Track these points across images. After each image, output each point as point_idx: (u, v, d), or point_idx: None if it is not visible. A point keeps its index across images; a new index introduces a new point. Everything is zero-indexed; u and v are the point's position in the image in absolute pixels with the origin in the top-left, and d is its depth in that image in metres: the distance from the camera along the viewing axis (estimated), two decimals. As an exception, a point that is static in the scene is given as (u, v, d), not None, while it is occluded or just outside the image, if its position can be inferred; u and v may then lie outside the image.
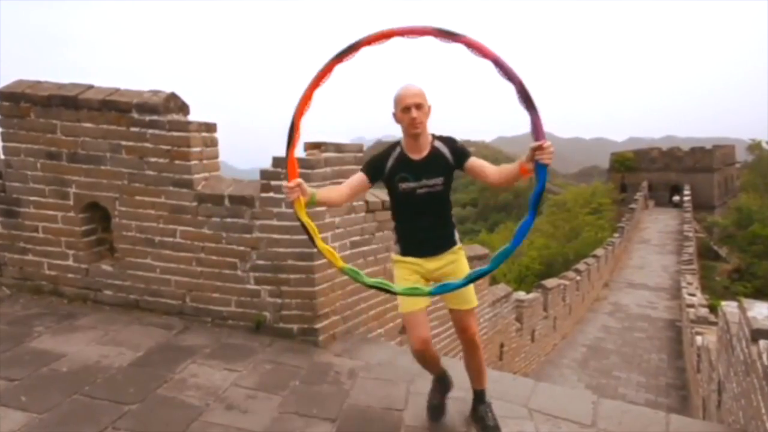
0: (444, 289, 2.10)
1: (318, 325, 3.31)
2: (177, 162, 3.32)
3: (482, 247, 6.28)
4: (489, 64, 1.83)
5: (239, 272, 3.35)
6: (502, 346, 7.17)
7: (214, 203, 3.31)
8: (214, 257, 3.37)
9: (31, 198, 3.63)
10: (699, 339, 7.15)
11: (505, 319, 7.25)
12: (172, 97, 3.36)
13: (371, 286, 2.04)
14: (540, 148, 1.82)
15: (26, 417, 2.28)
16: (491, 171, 2.17)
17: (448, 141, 2.28)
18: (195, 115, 3.44)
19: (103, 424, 2.29)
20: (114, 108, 3.37)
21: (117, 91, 3.45)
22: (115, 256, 3.63)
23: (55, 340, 3.02)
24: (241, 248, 3.31)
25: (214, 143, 3.51)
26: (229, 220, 3.31)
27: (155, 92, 3.39)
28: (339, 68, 1.92)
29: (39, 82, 3.62)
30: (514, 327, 8.02)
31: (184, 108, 3.41)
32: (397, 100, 2.18)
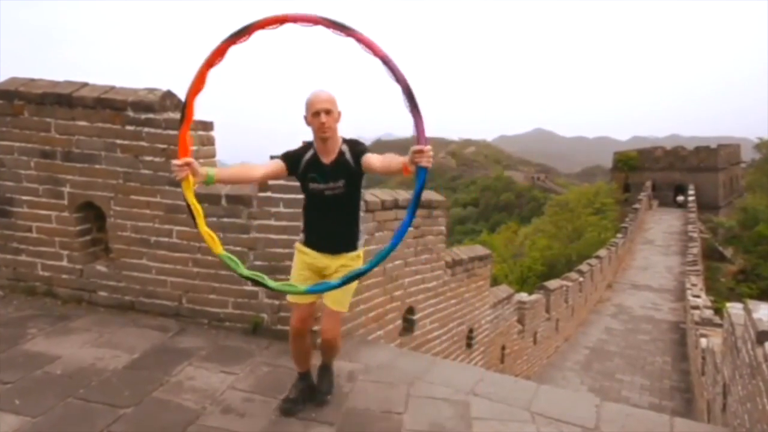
0: (320, 289, 2.17)
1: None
2: (173, 161, 3.31)
3: (483, 247, 6.27)
4: (378, 62, 1.83)
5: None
6: (503, 348, 7.17)
7: (210, 203, 3.31)
8: (210, 258, 3.37)
9: (25, 197, 3.62)
10: (704, 341, 7.15)
11: (507, 321, 7.24)
12: (168, 95, 3.36)
13: (248, 278, 2.07)
14: (420, 151, 1.86)
15: (20, 420, 2.28)
16: (375, 160, 2.24)
17: (352, 144, 2.38)
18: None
19: (97, 427, 2.29)
20: (109, 106, 3.37)
21: (112, 89, 3.45)
22: (110, 257, 3.63)
23: (49, 342, 3.02)
24: (238, 248, 3.31)
25: (210, 142, 3.51)
26: (226, 219, 3.31)
27: (151, 90, 3.39)
28: (234, 49, 1.94)
29: (33, 80, 3.62)
30: (516, 329, 8.01)
31: (180, 106, 3.41)
32: (308, 105, 2.27)
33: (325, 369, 2.77)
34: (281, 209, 3.24)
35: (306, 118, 2.30)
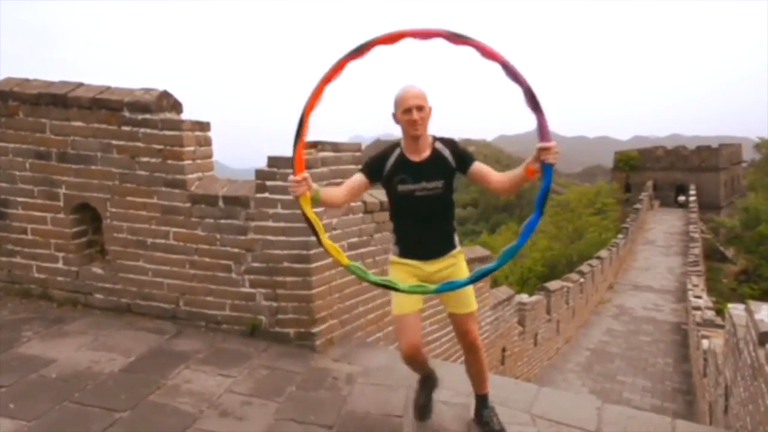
0: (449, 287, 2.13)
1: (315, 330, 3.31)
2: (170, 162, 3.32)
3: (483, 248, 6.28)
4: (497, 67, 1.92)
5: (234, 275, 3.34)
6: (504, 350, 7.17)
7: (207, 204, 3.31)
8: (207, 259, 3.37)
9: (20, 199, 3.62)
10: (705, 342, 7.16)
11: (507, 323, 7.25)
12: (165, 95, 3.36)
13: (377, 284, 2.07)
14: (545, 148, 1.90)
15: (15, 425, 2.28)
16: (495, 177, 2.19)
17: (449, 143, 2.30)
18: (188, 114, 3.44)
19: (93, 431, 2.28)
20: (105, 106, 3.37)
21: (108, 89, 3.45)
22: (106, 259, 3.62)
23: (44, 346, 3.01)
24: (236, 250, 3.31)
25: (207, 142, 3.50)
26: (223, 221, 3.30)
27: (147, 90, 3.38)
28: (350, 66, 1.98)
29: (27, 80, 3.61)
30: (517, 330, 8.02)
31: (176, 106, 3.41)
32: (398, 101, 2.19)
33: (484, 402, 2.51)
34: (279, 210, 3.23)
35: (395, 115, 2.21)
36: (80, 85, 3.52)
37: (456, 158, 2.25)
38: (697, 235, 22.83)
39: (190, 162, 3.34)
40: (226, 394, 2.71)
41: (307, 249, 3.21)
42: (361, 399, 2.79)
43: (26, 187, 3.59)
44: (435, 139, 2.29)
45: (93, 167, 3.45)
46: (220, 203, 3.29)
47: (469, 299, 2.36)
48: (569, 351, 11.65)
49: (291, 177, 2.04)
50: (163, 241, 3.42)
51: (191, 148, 3.36)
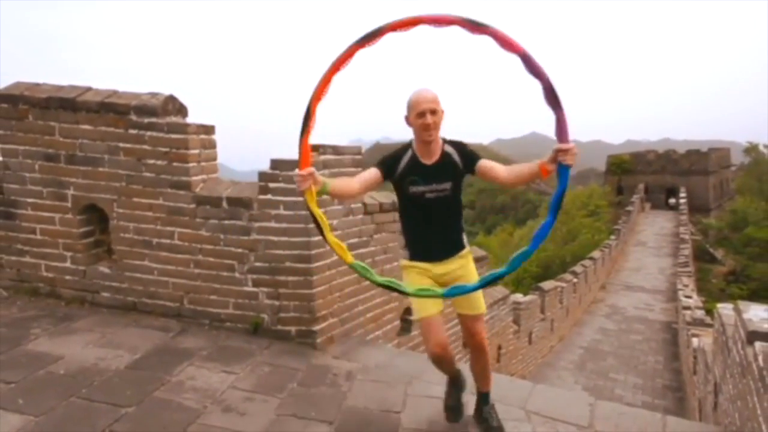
0: (457, 291, 2.06)
1: (316, 328, 3.31)
2: (175, 164, 3.32)
3: (480, 249, 6.28)
4: (515, 59, 1.77)
5: (237, 274, 3.34)
6: (499, 348, 7.17)
7: (212, 205, 3.31)
8: (211, 259, 3.36)
9: (29, 200, 3.61)
10: (695, 341, 7.16)
11: (503, 322, 7.25)
12: (171, 99, 3.36)
13: (381, 285, 1.99)
14: (564, 150, 1.79)
15: (23, 420, 2.27)
16: (502, 170, 2.16)
17: (458, 145, 2.28)
18: (193, 118, 3.44)
19: (100, 426, 2.28)
20: (112, 110, 3.37)
21: (115, 93, 3.45)
22: (112, 258, 3.62)
23: (52, 343, 3.01)
24: (239, 250, 3.30)
25: (212, 145, 3.50)
26: (227, 222, 3.30)
27: (154, 94, 3.38)
28: (359, 54, 1.83)
29: (37, 84, 3.61)
30: (512, 329, 8.02)
31: (182, 110, 3.41)
32: (412, 105, 2.15)
33: (485, 400, 2.51)
34: (281, 211, 3.23)
35: (408, 118, 2.18)
36: (89, 89, 3.52)
37: (463, 159, 2.23)
38: (687, 237, 22.86)
39: (195, 164, 3.34)
40: (229, 390, 2.71)
41: (308, 249, 3.21)
42: (361, 395, 2.78)
43: (35, 189, 3.59)
44: (445, 141, 2.27)
45: (100, 169, 3.45)
46: (224, 204, 3.29)
47: (478, 302, 2.35)
48: (563, 349, 11.64)
49: (297, 171, 1.95)
50: (168, 241, 3.41)
51: (196, 151, 3.35)
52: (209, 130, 3.48)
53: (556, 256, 24.71)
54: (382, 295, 3.93)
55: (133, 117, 3.33)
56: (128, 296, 3.55)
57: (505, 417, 2.65)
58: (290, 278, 3.26)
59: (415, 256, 2.34)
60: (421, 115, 2.12)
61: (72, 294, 3.64)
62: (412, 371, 3.13)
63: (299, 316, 3.31)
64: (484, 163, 2.20)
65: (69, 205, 3.54)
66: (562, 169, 1.81)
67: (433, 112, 2.13)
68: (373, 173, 2.24)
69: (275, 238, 3.26)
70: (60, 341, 3.03)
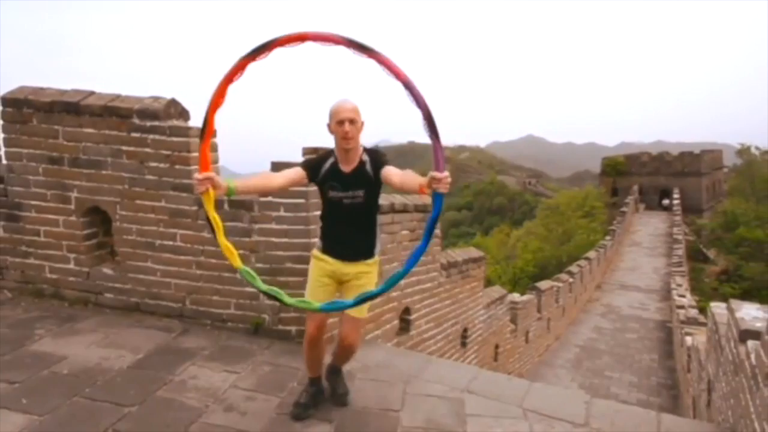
0: (334, 307, 2.15)
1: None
2: (177, 166, 3.31)
3: (477, 249, 6.28)
4: (400, 86, 1.78)
5: (238, 275, 3.33)
6: (497, 347, 7.17)
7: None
8: (213, 260, 3.36)
9: (33, 202, 3.61)
10: (689, 339, 7.17)
11: (500, 321, 7.24)
12: (173, 103, 3.36)
13: (265, 293, 2.03)
14: (437, 179, 1.81)
15: (27, 419, 2.26)
16: (394, 174, 2.20)
17: (373, 154, 2.34)
18: (195, 121, 3.44)
19: (103, 425, 2.27)
20: (115, 114, 3.37)
21: (118, 97, 3.45)
22: (115, 260, 3.62)
23: (56, 343, 3.00)
24: (240, 251, 3.27)
25: (213, 148, 3.49)
26: (228, 223, 3.29)
27: (156, 98, 3.38)
28: (252, 66, 1.88)
29: (41, 89, 3.61)
30: (509, 328, 8.01)
31: (184, 114, 3.41)
32: (333, 114, 2.24)
33: (337, 371, 2.69)
34: (282, 213, 3.23)
35: (329, 126, 2.26)
36: (92, 93, 3.52)
37: (374, 168, 2.29)
38: (680, 237, 22.88)
39: (196, 167, 3.33)
40: (230, 389, 2.70)
41: (308, 250, 3.20)
42: (360, 394, 2.78)
43: (39, 191, 3.58)
44: (364, 150, 2.34)
45: (104, 172, 3.44)
46: (226, 207, 3.29)
47: (363, 309, 2.41)
48: (559, 348, 11.64)
49: (195, 175, 2.01)
50: (170, 242, 3.41)
51: (198, 154, 3.35)
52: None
53: (553, 257, 24.71)
54: (381, 296, 3.93)
55: (136, 120, 3.33)
56: (131, 297, 3.54)
57: (501, 415, 2.65)
58: (291, 279, 3.26)
59: (325, 249, 2.43)
60: (341, 123, 2.21)
61: (76, 295, 3.63)
62: (411, 370, 3.13)
63: (299, 317, 3.30)
64: (384, 170, 2.25)
65: (73, 207, 3.54)
66: (437, 196, 1.85)
67: (352, 121, 2.21)
68: (298, 172, 2.31)
69: (276, 240, 3.25)
70: (64, 342, 3.03)
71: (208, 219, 2.02)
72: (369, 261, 2.44)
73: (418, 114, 1.78)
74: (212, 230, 2.02)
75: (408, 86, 1.77)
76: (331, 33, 1.82)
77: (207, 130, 1.96)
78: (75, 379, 2.63)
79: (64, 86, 3.62)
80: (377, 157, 2.32)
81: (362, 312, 2.43)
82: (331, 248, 2.41)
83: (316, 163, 2.34)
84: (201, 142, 1.98)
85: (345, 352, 2.55)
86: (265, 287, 2.02)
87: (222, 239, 2.01)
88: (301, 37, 1.80)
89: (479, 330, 6.15)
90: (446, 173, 1.82)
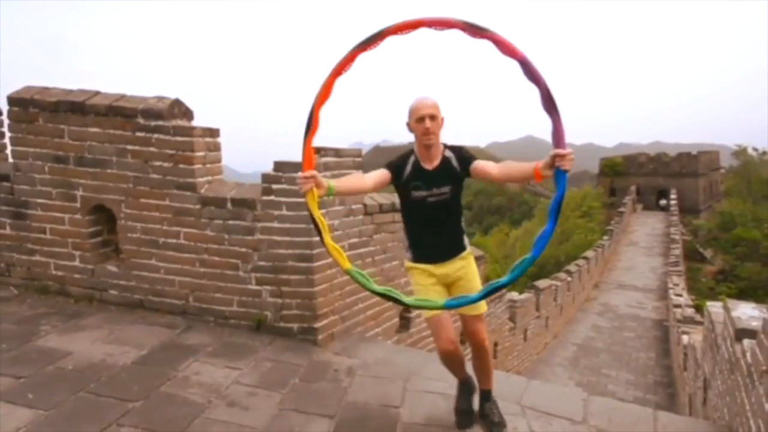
0: (459, 303, 2.01)
1: (317, 325, 3.30)
2: (181, 166, 3.32)
3: (477, 248, 6.27)
4: (514, 64, 1.73)
5: (241, 273, 3.34)
6: (495, 344, 7.17)
7: (216, 206, 3.31)
8: (216, 258, 3.36)
9: (39, 200, 3.61)
10: (685, 338, 7.17)
11: (499, 319, 7.24)
12: (177, 103, 3.36)
13: (379, 294, 1.92)
14: (561, 155, 1.76)
15: (32, 414, 2.27)
16: (493, 168, 2.16)
17: (457, 150, 2.29)
18: (199, 121, 3.45)
19: (107, 421, 2.28)
20: (120, 113, 3.37)
21: (123, 97, 3.45)
22: (120, 257, 3.62)
23: (61, 339, 3.00)
24: (243, 250, 3.30)
25: (217, 148, 3.50)
26: (231, 222, 3.30)
27: (160, 98, 3.38)
28: (361, 57, 1.82)
29: (47, 88, 3.61)
30: (508, 326, 8.01)
31: (188, 114, 3.41)
32: (413, 111, 2.18)
33: (488, 396, 2.49)
34: (284, 212, 3.23)
35: (409, 124, 2.21)
36: (97, 93, 3.52)
37: (461, 164, 2.25)
38: (677, 237, 22.85)
39: (200, 166, 3.34)
40: (233, 385, 2.71)
41: (310, 249, 3.21)
42: (361, 390, 2.78)
43: (45, 190, 3.59)
44: (445, 146, 2.29)
45: (108, 171, 3.45)
46: (229, 205, 3.29)
47: (481, 305, 2.33)
48: (557, 346, 11.64)
49: (300, 173, 1.92)
50: (174, 240, 3.41)
51: (201, 153, 3.35)
52: (214, 133, 3.48)
53: (551, 256, 24.67)
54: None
55: (140, 120, 3.33)
56: (135, 294, 3.55)
57: (500, 411, 2.65)
58: (292, 277, 3.26)
59: (417, 257, 2.35)
60: (421, 120, 2.16)
61: (81, 292, 3.64)
62: (411, 367, 3.13)
63: (301, 314, 3.30)
64: (478, 164, 2.22)
65: (78, 205, 3.54)
66: (560, 175, 1.77)
67: (432, 117, 2.16)
68: (384, 174, 2.26)
69: (278, 238, 3.26)
70: (69, 338, 3.03)
71: (313, 220, 1.92)
72: (463, 254, 2.36)
73: (536, 91, 1.72)
74: (318, 231, 1.91)
75: (525, 64, 1.72)
76: (446, 17, 1.75)
77: (313, 125, 1.86)
78: (80, 374, 2.63)
79: (69, 86, 3.63)
80: (463, 152, 2.27)
81: (482, 307, 2.33)
82: (423, 254, 2.33)
83: (398, 165, 2.27)
84: (306, 138, 1.86)
85: (479, 352, 2.40)
86: (380, 289, 1.92)
87: (329, 240, 1.92)
88: (415, 24, 1.74)
89: (478, 328, 6.13)
90: (569, 149, 1.75)
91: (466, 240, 2.41)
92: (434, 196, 2.24)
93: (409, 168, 2.26)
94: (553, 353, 11.10)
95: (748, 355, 2.48)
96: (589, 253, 17.48)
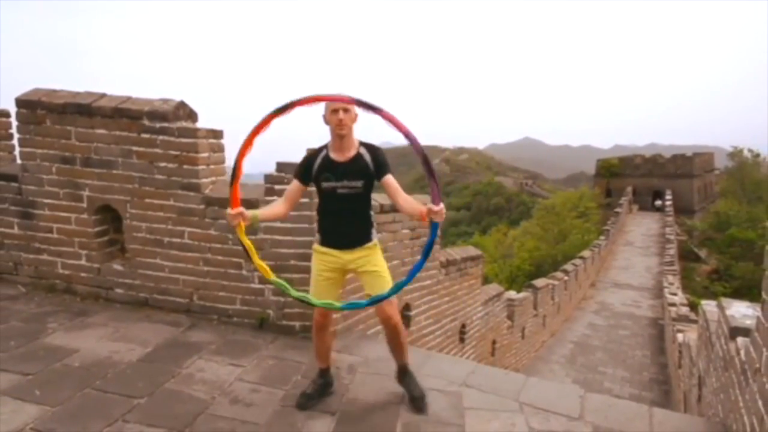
0: (352, 306, 2.57)
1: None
2: (185, 167, 3.32)
3: (475, 248, 6.27)
4: (401, 136, 2.03)
5: (244, 272, 3.34)
6: (494, 342, 7.16)
7: (220, 206, 3.31)
8: (220, 257, 3.36)
9: (46, 200, 3.61)
10: (680, 336, 7.16)
11: (497, 317, 7.24)
12: (182, 105, 3.36)
13: (296, 299, 2.26)
14: (435, 211, 2.07)
15: (40, 410, 2.27)
16: (400, 198, 2.29)
17: (372, 149, 2.37)
18: (203, 122, 3.44)
19: (113, 417, 2.28)
20: (126, 115, 3.37)
21: (129, 99, 3.45)
22: (125, 256, 3.62)
23: (67, 337, 3.01)
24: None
25: (220, 149, 3.51)
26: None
27: (165, 100, 3.38)
28: (276, 121, 2.13)
29: (54, 91, 3.61)
30: (506, 324, 8.01)
31: (192, 115, 3.41)
32: (327, 104, 2.29)
33: (405, 371, 2.63)
34: (286, 212, 3.23)
35: (325, 116, 2.30)
36: (103, 95, 3.52)
37: (375, 164, 2.33)
38: (672, 237, 22.84)
39: (204, 167, 3.34)
40: (236, 382, 2.71)
41: (311, 248, 3.21)
42: (362, 387, 2.78)
43: (52, 190, 3.59)
44: (361, 143, 2.37)
45: (114, 171, 3.45)
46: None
47: (385, 287, 2.41)
48: (554, 344, 11.63)
49: (228, 211, 2.21)
50: (179, 240, 3.41)
51: (205, 154, 3.36)
52: (218, 134, 3.48)
53: (549, 255, 24.68)
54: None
55: (146, 122, 3.34)
56: (140, 292, 3.55)
57: (498, 408, 2.65)
58: (295, 276, 3.26)
59: (325, 242, 2.46)
60: (335, 111, 2.26)
61: (87, 290, 3.64)
62: (411, 365, 3.12)
63: (303, 312, 3.30)
64: (391, 181, 2.33)
65: (84, 205, 3.54)
66: (433, 224, 2.16)
67: (346, 110, 2.26)
68: (294, 187, 2.41)
69: (280, 238, 3.26)
70: (75, 335, 3.03)
71: (242, 245, 2.26)
72: (369, 245, 2.46)
73: (418, 159, 2.08)
74: (247, 254, 2.26)
75: (408, 136, 2.02)
76: (344, 96, 2.14)
77: (236, 173, 2.19)
78: (86, 371, 2.64)
79: (76, 89, 3.63)
80: (378, 155, 2.35)
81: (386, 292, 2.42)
82: (330, 239, 2.44)
83: (306, 164, 2.38)
84: (231, 183, 2.21)
85: (392, 331, 2.52)
86: (296, 294, 2.25)
87: (257, 260, 2.26)
88: (318, 99, 2.12)
89: (477, 326, 6.15)
90: (442, 206, 2.08)
91: (374, 232, 2.50)
92: (345, 188, 2.33)
93: (318, 161, 2.36)
94: (550, 351, 11.08)
95: (742, 352, 2.48)
96: (586, 253, 17.47)
